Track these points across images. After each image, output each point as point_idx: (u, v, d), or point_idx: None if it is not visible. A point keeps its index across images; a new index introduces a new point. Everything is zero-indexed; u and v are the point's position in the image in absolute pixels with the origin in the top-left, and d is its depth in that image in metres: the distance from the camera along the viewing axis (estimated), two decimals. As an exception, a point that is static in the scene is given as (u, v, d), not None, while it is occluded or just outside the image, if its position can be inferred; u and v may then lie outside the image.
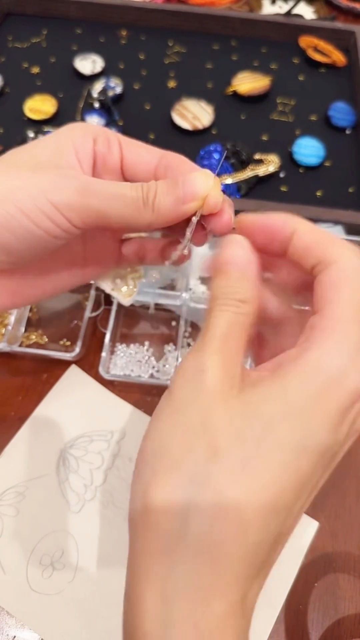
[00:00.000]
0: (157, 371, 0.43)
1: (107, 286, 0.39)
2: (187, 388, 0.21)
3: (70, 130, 0.28)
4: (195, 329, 0.46)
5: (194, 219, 0.27)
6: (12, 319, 0.43)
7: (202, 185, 0.26)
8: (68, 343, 0.45)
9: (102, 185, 0.25)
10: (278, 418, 0.19)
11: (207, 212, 0.26)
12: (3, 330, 0.44)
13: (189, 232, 0.28)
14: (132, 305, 0.46)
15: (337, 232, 0.49)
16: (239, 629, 0.19)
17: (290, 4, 0.74)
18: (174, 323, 0.46)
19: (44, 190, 0.24)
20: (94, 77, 0.62)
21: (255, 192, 0.54)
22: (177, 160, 0.28)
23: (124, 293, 0.39)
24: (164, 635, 0.18)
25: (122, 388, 0.43)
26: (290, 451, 0.18)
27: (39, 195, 0.24)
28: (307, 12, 0.74)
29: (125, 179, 0.29)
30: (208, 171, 0.26)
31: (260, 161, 0.55)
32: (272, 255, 0.24)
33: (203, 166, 0.29)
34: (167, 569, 0.19)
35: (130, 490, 0.21)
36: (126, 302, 0.39)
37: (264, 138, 0.59)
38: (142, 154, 0.28)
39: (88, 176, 0.26)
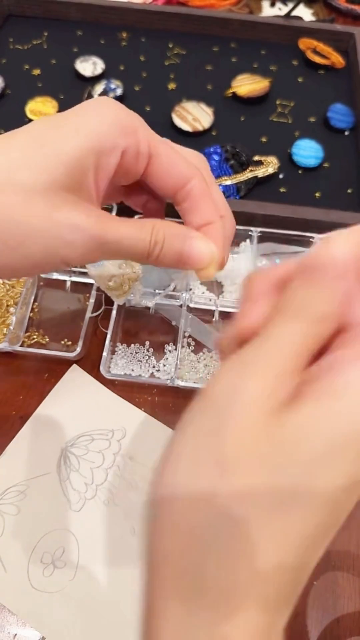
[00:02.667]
0: (158, 370, 0.44)
1: (103, 285, 0.40)
2: (214, 404, 0.17)
3: (98, 134, 0.24)
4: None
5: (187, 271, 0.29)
6: (13, 319, 0.43)
7: (204, 259, 0.27)
8: (69, 343, 0.45)
9: (114, 236, 0.25)
10: (316, 454, 0.15)
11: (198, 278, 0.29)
12: (5, 331, 0.44)
13: (180, 280, 0.31)
14: (132, 305, 0.46)
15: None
16: None
17: (290, 6, 0.74)
18: (174, 323, 0.46)
19: (57, 245, 0.24)
20: (94, 79, 0.63)
21: (254, 193, 0.55)
22: (201, 195, 0.28)
23: (118, 293, 0.40)
24: None
25: (122, 387, 0.43)
26: (322, 501, 0.16)
27: (51, 250, 0.24)
28: (306, 14, 0.74)
29: (140, 182, 0.29)
30: (214, 247, 0.28)
31: (259, 162, 0.55)
32: None
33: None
34: (184, 611, 0.17)
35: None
36: (119, 301, 0.41)
37: (264, 140, 0.59)
38: (170, 172, 0.27)
39: (101, 222, 0.25)
